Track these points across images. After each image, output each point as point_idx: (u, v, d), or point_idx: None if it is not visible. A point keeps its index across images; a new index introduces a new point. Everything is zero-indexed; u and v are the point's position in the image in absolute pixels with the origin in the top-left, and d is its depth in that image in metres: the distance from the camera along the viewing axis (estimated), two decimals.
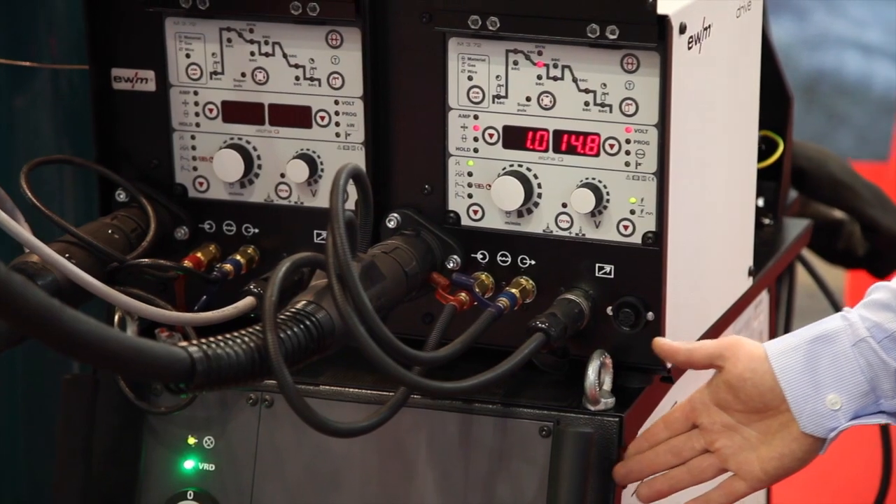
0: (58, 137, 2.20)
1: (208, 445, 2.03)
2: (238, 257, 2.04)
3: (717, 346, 1.92)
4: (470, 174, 1.97)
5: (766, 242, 2.37)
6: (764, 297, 2.44)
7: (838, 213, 2.76)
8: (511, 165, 1.94)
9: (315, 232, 2.02)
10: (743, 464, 1.91)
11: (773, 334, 2.53)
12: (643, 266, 1.92)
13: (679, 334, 1.97)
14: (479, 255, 1.98)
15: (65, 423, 2.00)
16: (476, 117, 1.95)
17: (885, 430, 1.98)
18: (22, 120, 2.22)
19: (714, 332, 2.14)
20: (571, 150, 1.91)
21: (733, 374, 1.89)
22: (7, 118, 2.22)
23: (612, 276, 1.93)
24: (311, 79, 2.00)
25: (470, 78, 1.94)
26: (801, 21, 7.09)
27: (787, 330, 2.62)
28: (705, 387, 1.93)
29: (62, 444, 2.00)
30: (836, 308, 2.25)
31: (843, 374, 1.88)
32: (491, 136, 1.94)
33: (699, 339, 2.05)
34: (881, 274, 2.55)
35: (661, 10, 1.81)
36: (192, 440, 2.03)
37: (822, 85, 7.08)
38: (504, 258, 1.97)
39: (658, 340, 1.91)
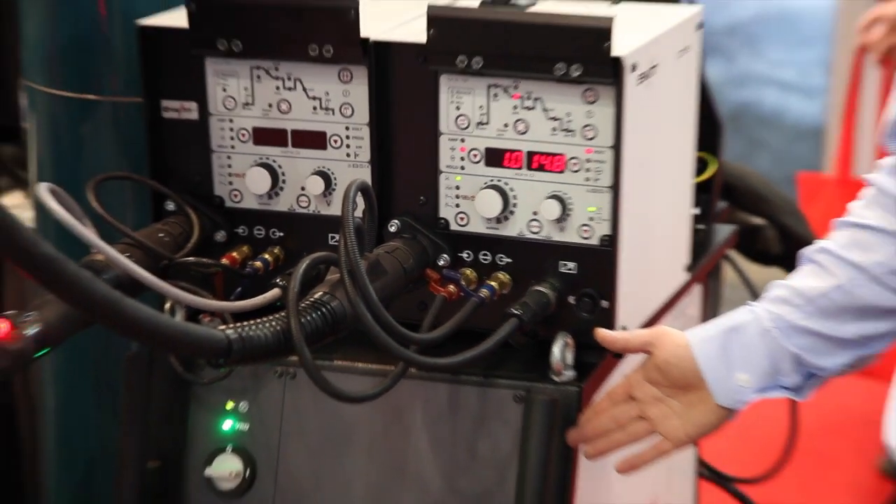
0: (118, 158, 2.20)
1: (243, 409, 2.05)
2: (266, 256, 2.06)
3: (647, 335, 1.96)
4: (457, 188, 1.98)
5: (699, 244, 2.38)
6: (697, 289, 2.45)
7: (758, 220, 2.77)
8: (491, 180, 1.96)
9: (329, 235, 2.04)
10: (669, 429, 1.95)
11: (704, 318, 2.55)
12: (599, 264, 1.94)
13: (628, 319, 2.00)
14: (464, 255, 1.99)
15: (127, 392, 2.02)
16: (463, 140, 1.96)
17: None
18: (88, 144, 2.23)
19: (657, 317, 2.16)
20: (541, 168, 1.93)
21: (661, 358, 1.93)
22: (76, 143, 2.23)
23: (574, 272, 1.95)
24: (326, 108, 2.02)
25: (458, 108, 1.95)
26: (728, 62, 7.09)
27: (714, 315, 2.59)
28: (639, 367, 1.97)
29: (125, 409, 2.03)
30: (756, 298, 2.26)
31: (751, 357, 1.93)
32: (475, 156, 1.96)
33: (645, 323, 2.08)
34: (791, 270, 2.58)
35: (616, 52, 1.83)
36: (229, 405, 2.05)
37: (745, 115, 7.06)
38: (485, 257, 1.99)
39: (599, 331, 1.94)
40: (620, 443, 1.98)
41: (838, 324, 1.95)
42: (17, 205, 2.58)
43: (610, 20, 1.85)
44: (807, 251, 2.01)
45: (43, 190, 1.82)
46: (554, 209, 1.93)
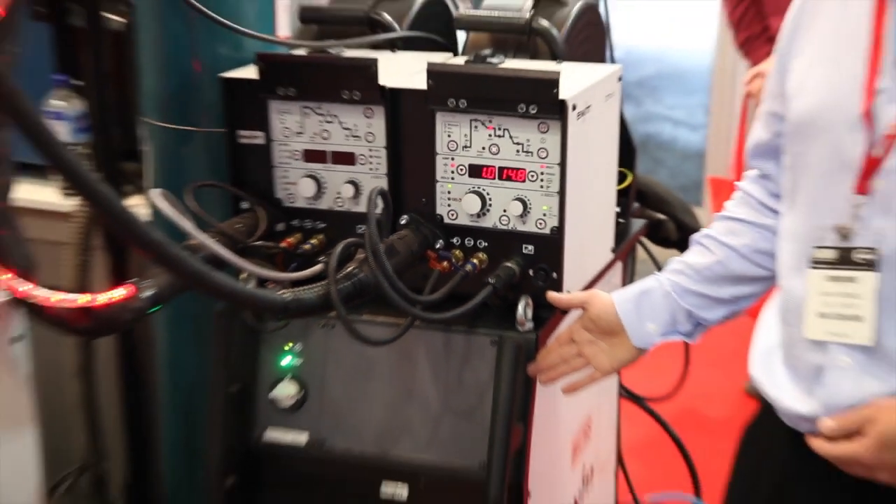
0: (208, 172, 2.18)
1: (297, 350, 2.03)
2: (313, 241, 2.03)
3: (584, 297, 1.96)
4: (449, 192, 1.96)
5: (620, 233, 2.36)
6: (619, 265, 2.43)
7: (661, 216, 2.75)
8: (473, 187, 1.94)
9: (357, 226, 2.01)
10: (599, 363, 1.96)
11: (623, 284, 2.52)
12: (551, 247, 1.93)
13: (571, 286, 1.98)
14: (454, 240, 1.98)
15: (216, 338, 2.01)
16: (452, 159, 1.94)
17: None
18: (187, 162, 2.22)
19: (591, 284, 2.13)
20: (509, 178, 1.92)
21: (593, 313, 1.95)
22: (178, 161, 2.22)
23: (532, 253, 1.94)
24: (355, 136, 2.00)
25: (449, 135, 1.93)
26: (637, 106, 7.12)
27: (631, 282, 2.61)
28: (578, 319, 1.97)
29: (214, 349, 2.02)
30: (660, 270, 2.23)
31: (656, 312, 1.94)
32: (461, 170, 1.94)
33: (583, 289, 2.06)
34: (683, 251, 2.56)
35: (562, 96, 1.82)
36: (287, 347, 2.04)
37: (649, 143, 7.10)
38: (469, 242, 1.97)
39: (550, 294, 1.94)
40: (565, 373, 1.98)
41: (718, 288, 1.95)
42: (137, 205, 2.56)
43: (557, 73, 1.84)
44: (696, 237, 2.01)
45: (155, 194, 1.81)
46: (518, 208, 1.92)
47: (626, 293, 1.97)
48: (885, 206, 1.64)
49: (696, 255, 1.98)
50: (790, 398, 1.79)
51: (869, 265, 1.65)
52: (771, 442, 1.92)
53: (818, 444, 1.71)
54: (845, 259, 1.68)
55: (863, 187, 1.65)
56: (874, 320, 1.65)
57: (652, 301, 1.95)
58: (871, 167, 1.63)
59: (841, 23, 1.71)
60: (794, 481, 1.87)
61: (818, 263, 1.71)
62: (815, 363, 1.73)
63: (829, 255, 1.70)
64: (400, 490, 1.99)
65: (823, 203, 1.71)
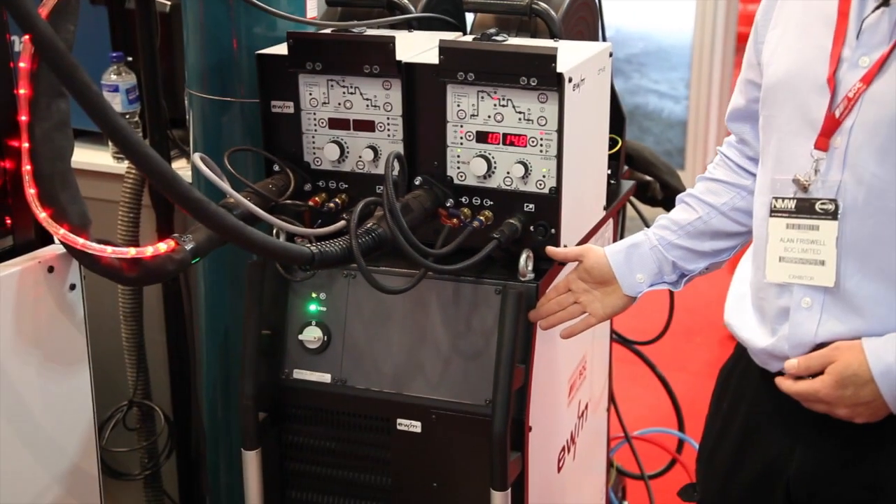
0: (244, 137, 2.18)
1: (322, 298, 2.03)
2: (337, 200, 2.03)
3: (579, 251, 1.96)
4: (459, 156, 1.95)
5: (612, 193, 2.35)
6: (610, 222, 2.42)
7: (648, 178, 2.75)
8: (480, 152, 1.93)
9: (377, 187, 2.01)
10: (594, 309, 1.96)
11: (615, 239, 2.50)
12: (549, 205, 1.92)
13: (568, 240, 1.97)
14: (463, 199, 1.97)
15: (249, 286, 2.01)
16: (462, 126, 1.93)
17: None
18: (225, 128, 2.21)
19: (585, 239, 2.13)
20: (512, 144, 1.91)
21: (587, 265, 1.94)
22: (218, 128, 2.21)
23: (533, 210, 1.93)
24: (375, 106, 1.99)
25: (458, 105, 1.92)
26: (626, 79, 7.09)
27: (622, 237, 2.61)
28: (574, 270, 1.96)
29: (248, 297, 2.01)
30: (647, 226, 2.22)
31: (645, 264, 1.93)
32: (469, 136, 1.93)
33: (578, 243, 2.06)
34: (670, 209, 2.56)
35: (559, 70, 1.82)
36: (313, 295, 2.03)
37: (637, 113, 7.07)
38: (476, 200, 1.96)
39: (549, 249, 1.94)
40: (563, 319, 1.97)
41: (699, 242, 1.95)
42: (182, 167, 2.57)
43: (555, 49, 1.83)
44: (680, 196, 2.01)
45: (197, 158, 1.80)
46: (520, 170, 1.91)
47: (617, 247, 1.96)
48: (841, 161, 1.66)
49: (681, 212, 1.98)
50: (759, 339, 1.80)
51: (830, 214, 1.68)
52: (744, 382, 1.92)
53: (783, 383, 1.73)
54: (806, 209, 1.70)
55: (822, 144, 1.67)
56: (835, 264, 1.68)
57: (641, 254, 1.95)
58: (831, 126, 1.66)
59: (810, 4, 1.73)
60: (764, 417, 1.87)
61: (777, 212, 1.74)
62: (782, 305, 1.75)
63: (789, 204, 1.72)
64: (414, 424, 1.99)
65: (787, 158, 1.73)
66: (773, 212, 1.74)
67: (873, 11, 1.65)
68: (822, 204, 1.69)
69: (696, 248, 1.96)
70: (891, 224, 1.64)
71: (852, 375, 1.65)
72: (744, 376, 1.91)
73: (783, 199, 1.73)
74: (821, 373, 1.68)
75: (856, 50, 1.66)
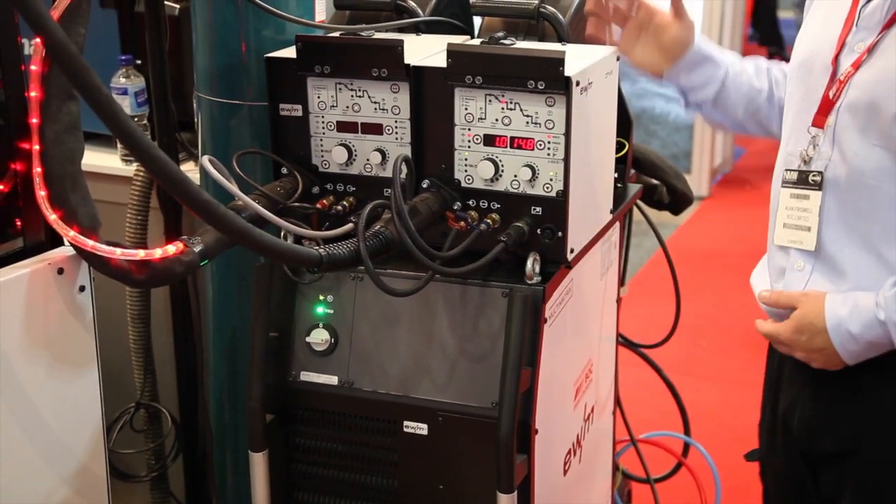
0: (252, 140, 2.18)
1: (329, 300, 2.03)
2: (344, 203, 2.03)
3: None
4: (466, 159, 1.95)
5: (618, 196, 2.35)
6: (617, 225, 2.43)
7: (655, 181, 2.75)
8: (487, 155, 1.93)
9: (384, 189, 2.01)
10: (629, 45, 2.19)
11: (621, 245, 2.53)
12: (556, 208, 1.92)
13: (574, 243, 1.97)
14: (470, 202, 1.97)
15: (257, 288, 2.02)
16: (469, 129, 1.94)
17: None
18: (234, 131, 2.21)
19: (592, 243, 2.13)
20: (519, 147, 1.91)
21: (670, 34, 2.14)
22: (226, 131, 2.21)
23: (540, 213, 1.93)
24: (383, 109, 1.99)
25: (466, 108, 1.93)
26: (633, 83, 7.07)
27: (628, 241, 2.65)
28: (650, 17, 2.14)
29: (255, 299, 2.02)
30: (656, 232, 2.33)
31: (700, 75, 2.19)
32: (477, 139, 1.94)
33: (583, 248, 2.05)
34: (676, 212, 2.63)
35: (566, 73, 1.82)
36: (321, 297, 2.04)
37: (643, 116, 7.06)
38: (483, 203, 1.96)
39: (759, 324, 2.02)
40: (605, 19, 2.20)
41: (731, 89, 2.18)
42: (190, 170, 2.58)
43: (562, 53, 1.84)
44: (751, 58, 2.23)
45: (205, 160, 1.81)
46: (527, 173, 1.91)
47: (704, 48, 2.11)
48: (831, 138, 1.84)
49: (751, 67, 2.16)
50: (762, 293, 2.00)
51: (817, 186, 1.86)
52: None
53: (758, 322, 1.98)
54: (803, 180, 1.88)
55: (819, 121, 1.86)
56: (817, 231, 1.87)
57: (706, 70, 2.11)
58: (826, 106, 1.84)
59: None
60: (782, 372, 2.07)
61: (785, 183, 1.92)
62: (781, 265, 1.95)
63: (793, 176, 1.91)
64: (420, 427, 2.00)
65: (797, 134, 1.92)
66: (783, 182, 1.93)
67: (869, 1, 1.83)
68: (813, 176, 1.88)
69: (737, 109, 2.16)
70: (869, 198, 1.82)
71: (809, 324, 1.87)
72: None
73: (790, 170, 1.92)
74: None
75: (854, 35, 1.84)
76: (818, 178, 1.87)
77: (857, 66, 1.81)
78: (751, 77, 2.15)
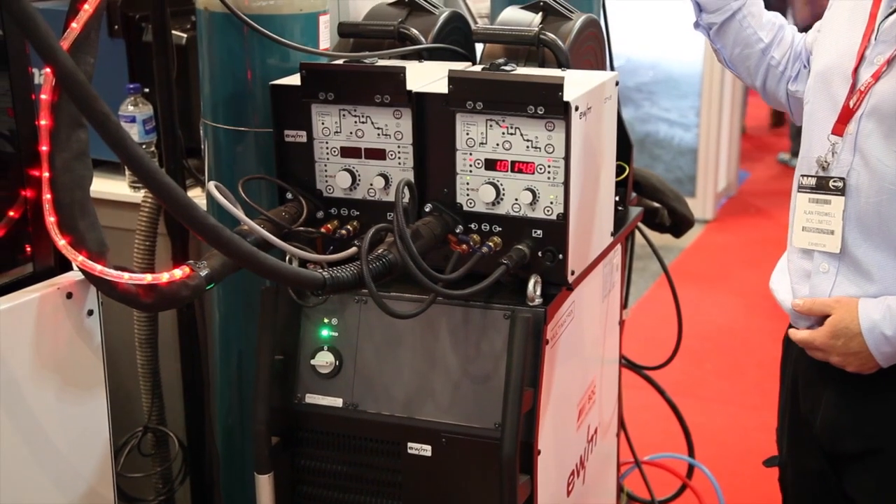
0: (257, 166, 2.20)
1: (334, 323, 2.05)
2: (348, 227, 2.05)
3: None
4: (468, 183, 1.97)
5: (619, 219, 2.37)
6: (619, 247, 2.44)
7: (656, 204, 2.77)
8: (489, 179, 1.95)
9: (387, 213, 2.02)
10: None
11: (623, 267, 2.54)
12: (557, 231, 1.93)
13: (575, 266, 1.98)
14: (472, 225, 1.98)
15: (262, 312, 2.03)
16: (471, 154, 1.95)
17: None
18: (239, 157, 2.23)
19: (593, 265, 2.14)
20: (520, 171, 1.93)
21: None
22: (232, 157, 2.23)
23: (541, 236, 1.94)
24: (386, 134, 2.01)
25: (467, 133, 1.95)
26: (636, 108, 7.09)
27: (630, 263, 2.68)
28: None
29: (261, 322, 2.03)
30: (656, 253, 2.36)
31: None
32: (478, 164, 1.95)
33: (584, 271, 2.07)
34: (678, 235, 2.67)
35: (566, 98, 1.85)
36: (325, 320, 2.05)
37: (647, 141, 7.07)
38: (485, 227, 1.97)
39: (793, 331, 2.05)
40: None
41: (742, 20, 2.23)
42: (197, 196, 2.61)
43: (562, 79, 1.86)
44: None
45: (212, 186, 1.83)
46: (528, 197, 1.93)
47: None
48: (852, 146, 1.90)
49: (767, 17, 2.22)
50: (787, 296, 2.06)
51: (839, 191, 1.94)
52: (791, 348, 2.16)
53: (792, 332, 2.04)
54: (822, 185, 1.96)
55: (839, 129, 1.94)
56: (841, 234, 1.94)
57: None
58: (846, 115, 1.93)
59: (857, 3, 2.00)
60: (800, 376, 2.12)
61: (803, 188, 2.00)
62: (805, 268, 2.01)
63: (811, 181, 1.99)
64: (424, 448, 2.00)
65: (815, 141, 1.99)
66: (801, 187, 2.00)
67: (888, 16, 1.91)
68: (834, 182, 1.95)
69: (735, 47, 2.23)
70: (890, 202, 1.90)
71: (844, 328, 1.93)
72: (791, 343, 2.12)
73: (808, 176, 1.99)
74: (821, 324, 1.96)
75: (873, 48, 1.92)
76: (839, 184, 1.94)
77: (877, 76, 1.90)
78: (761, 24, 2.22)
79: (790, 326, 2.12)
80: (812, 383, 2.09)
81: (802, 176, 2.01)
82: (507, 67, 1.98)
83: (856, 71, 1.94)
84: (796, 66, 2.22)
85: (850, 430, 2.02)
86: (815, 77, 2.05)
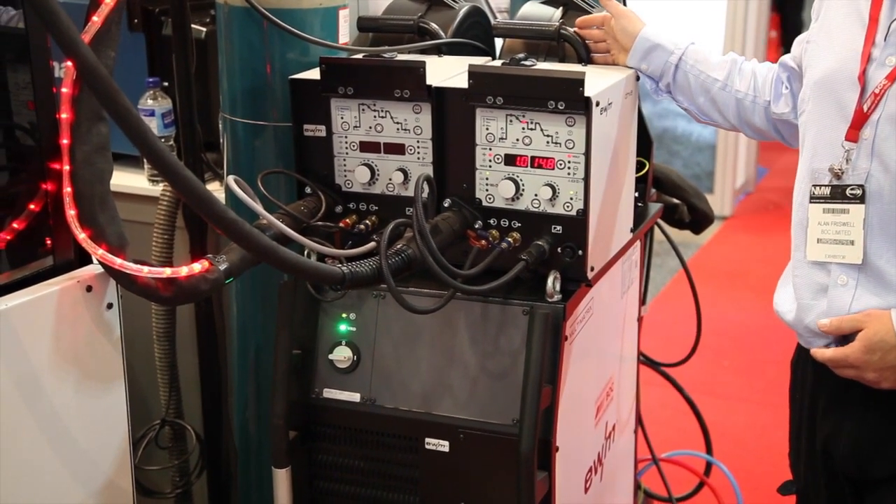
0: (276, 160, 2.21)
1: (352, 318, 2.05)
2: (367, 222, 2.06)
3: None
4: (487, 178, 1.97)
5: (639, 215, 2.36)
6: (638, 243, 2.44)
7: (675, 201, 2.76)
8: (508, 174, 1.95)
9: (407, 208, 2.03)
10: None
11: (642, 263, 2.54)
12: (577, 227, 1.93)
13: (595, 262, 1.98)
14: (492, 221, 1.98)
15: (280, 306, 2.04)
16: (490, 149, 1.96)
17: None
18: (258, 152, 2.23)
19: (613, 261, 2.14)
20: (540, 167, 1.93)
21: (621, 26, 2.15)
22: (250, 153, 2.24)
23: (561, 232, 1.94)
24: (405, 129, 2.01)
25: (487, 128, 1.95)
26: (655, 104, 7.07)
27: (649, 260, 2.67)
28: (610, 20, 2.16)
29: (279, 317, 2.04)
30: (676, 250, 2.33)
31: (656, 67, 2.18)
32: (498, 159, 1.95)
33: (603, 268, 2.06)
34: (697, 232, 2.63)
35: (586, 94, 1.84)
36: (343, 315, 2.06)
37: (666, 136, 7.05)
38: (504, 222, 1.98)
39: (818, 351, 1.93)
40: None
41: (701, 95, 2.20)
42: (216, 189, 2.61)
43: (583, 74, 1.86)
44: (735, 57, 2.22)
45: (231, 180, 1.84)
46: (548, 192, 1.93)
47: (650, 34, 2.14)
48: (869, 151, 1.84)
49: (718, 65, 2.17)
50: (802, 316, 1.95)
51: (858, 199, 1.85)
52: (805, 369, 2.06)
53: (817, 352, 1.92)
54: (839, 194, 1.87)
55: (853, 135, 1.86)
56: (862, 243, 1.85)
57: (659, 55, 2.14)
58: (860, 119, 1.85)
59: (850, 8, 1.92)
60: (818, 399, 2.02)
61: (815, 199, 1.91)
62: (820, 282, 1.91)
63: (825, 191, 1.90)
64: (441, 443, 2.01)
65: (824, 149, 1.91)
66: (812, 198, 1.91)
67: None
68: (852, 189, 1.87)
69: (696, 97, 2.17)
70: None
71: (880, 341, 1.82)
72: (804, 365, 2.05)
73: (820, 186, 1.91)
74: (851, 339, 1.86)
75: (884, 50, 1.85)
76: (858, 192, 1.86)
77: (892, 78, 1.83)
78: (711, 66, 2.18)
79: (797, 351, 2.07)
80: (830, 411, 2.00)
81: (814, 186, 1.91)
82: (527, 62, 1.98)
83: (863, 74, 1.86)
84: (767, 90, 2.15)
85: (876, 454, 1.93)
86: (815, 86, 1.95)
